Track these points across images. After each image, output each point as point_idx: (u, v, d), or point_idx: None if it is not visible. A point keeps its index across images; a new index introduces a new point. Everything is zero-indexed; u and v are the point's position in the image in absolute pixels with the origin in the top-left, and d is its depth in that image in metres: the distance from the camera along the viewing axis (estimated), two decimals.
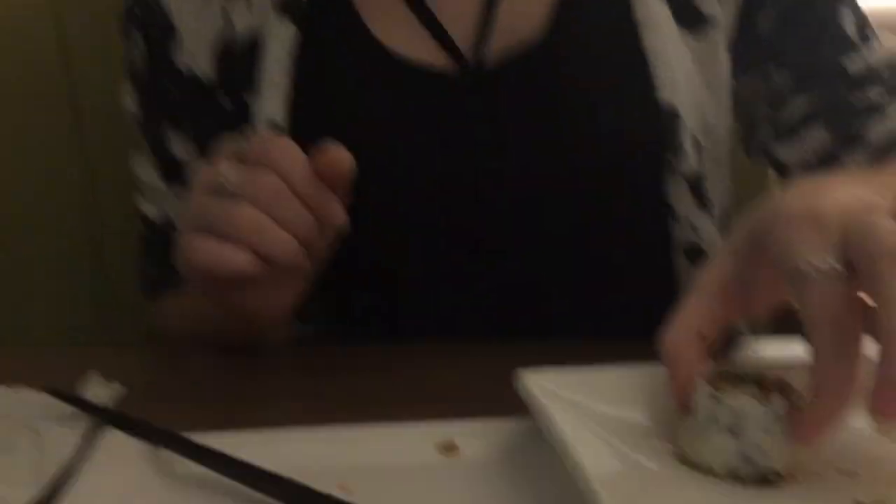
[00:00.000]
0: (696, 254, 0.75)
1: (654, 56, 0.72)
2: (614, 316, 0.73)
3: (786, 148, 0.78)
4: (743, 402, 0.43)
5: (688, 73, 0.74)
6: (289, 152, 0.59)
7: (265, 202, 0.57)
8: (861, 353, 0.39)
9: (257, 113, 0.74)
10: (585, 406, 0.47)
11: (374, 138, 0.73)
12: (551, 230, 0.75)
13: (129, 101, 0.82)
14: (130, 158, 0.84)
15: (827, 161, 0.76)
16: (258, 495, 0.43)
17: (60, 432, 0.49)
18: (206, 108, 0.78)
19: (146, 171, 0.82)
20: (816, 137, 0.76)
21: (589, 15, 0.74)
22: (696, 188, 0.74)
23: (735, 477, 0.43)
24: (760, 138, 0.80)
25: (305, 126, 0.73)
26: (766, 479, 0.43)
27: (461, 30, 0.74)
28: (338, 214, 0.60)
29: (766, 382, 0.44)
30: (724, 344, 0.38)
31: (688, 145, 0.72)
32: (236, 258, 0.57)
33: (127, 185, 0.89)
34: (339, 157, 0.59)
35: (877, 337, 0.38)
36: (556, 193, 0.74)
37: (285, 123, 0.73)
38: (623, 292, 0.77)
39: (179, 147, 0.80)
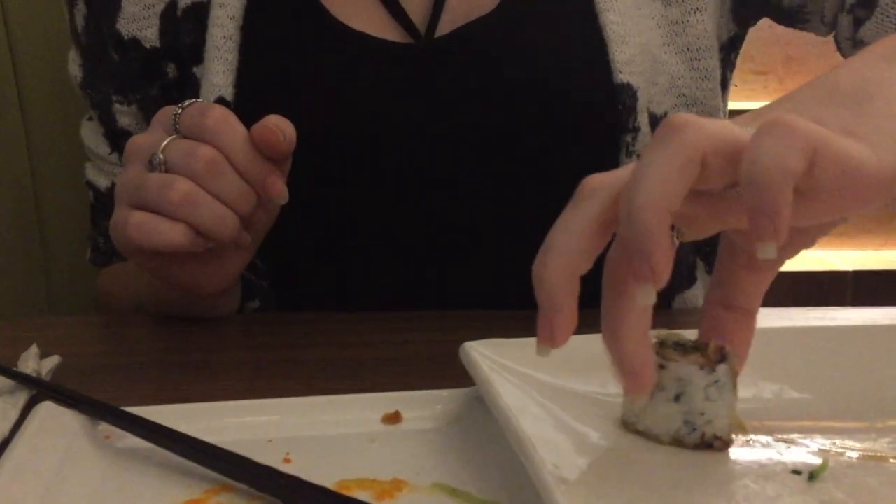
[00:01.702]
0: None
1: (610, 33, 0.71)
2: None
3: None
4: (688, 369, 0.43)
5: (651, 47, 0.73)
6: (227, 123, 0.58)
7: (201, 175, 0.56)
8: None
9: (203, 83, 0.73)
10: (528, 376, 0.47)
11: (323, 109, 0.72)
12: (502, 203, 0.74)
13: (74, 67, 0.81)
14: (81, 128, 0.82)
15: None
16: (198, 468, 0.43)
17: None
18: (149, 75, 0.76)
19: (93, 138, 0.81)
20: None
21: None
22: None
23: (678, 443, 0.44)
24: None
25: (253, 98, 0.72)
26: (708, 444, 0.43)
27: (415, 8, 0.73)
28: (278, 187, 0.59)
29: (707, 350, 0.44)
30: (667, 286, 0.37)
31: (645, 124, 0.72)
32: (171, 233, 0.56)
33: (68, 156, 0.88)
34: (281, 127, 0.58)
35: None
36: (508, 167, 0.73)
37: (231, 95, 0.72)
38: None
39: (125, 115, 0.79)
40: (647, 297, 0.36)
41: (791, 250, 0.43)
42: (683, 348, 0.45)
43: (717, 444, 0.43)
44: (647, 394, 0.43)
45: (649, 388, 0.41)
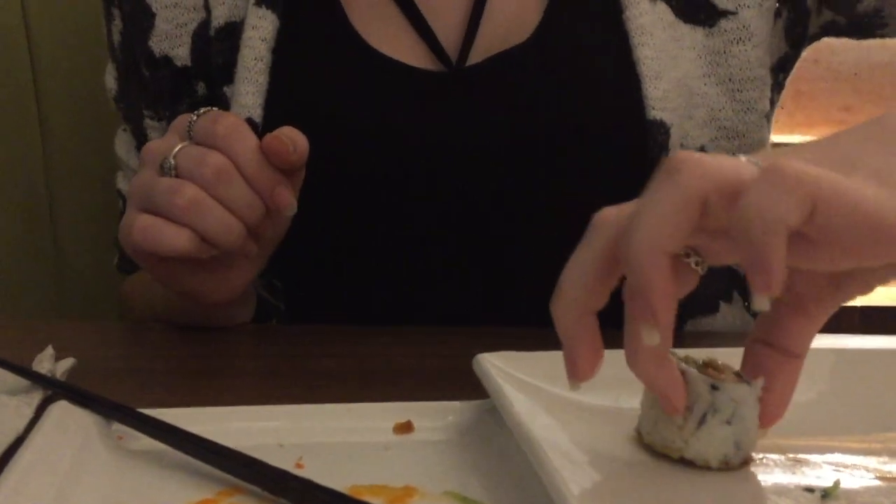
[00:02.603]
0: None
1: (645, 69, 0.70)
2: None
3: None
4: (740, 389, 0.41)
5: (688, 80, 0.72)
6: (237, 131, 0.58)
7: (209, 182, 0.57)
8: None
9: (233, 102, 0.73)
10: (542, 388, 0.47)
11: (351, 133, 0.72)
12: (527, 231, 0.74)
13: (110, 79, 0.82)
14: (115, 138, 0.83)
15: None
16: (211, 470, 0.43)
17: (12, 404, 0.49)
18: (180, 93, 0.77)
19: (125, 149, 0.82)
20: None
21: (578, 21, 0.73)
22: None
23: (726, 466, 0.42)
24: None
25: (282, 120, 0.72)
26: (745, 463, 0.42)
27: (448, 34, 0.73)
28: (286, 198, 0.59)
29: (718, 366, 0.43)
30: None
31: None
32: (175, 238, 0.57)
33: (85, 164, 0.89)
34: (293, 139, 0.58)
35: None
36: (535, 197, 0.73)
37: (260, 117, 0.72)
38: None
39: (155, 131, 0.80)
40: (651, 338, 0.36)
41: (842, 295, 0.41)
42: (699, 366, 0.44)
43: (739, 464, 0.42)
44: (686, 415, 0.41)
45: (682, 406, 0.40)
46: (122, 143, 0.82)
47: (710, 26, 0.73)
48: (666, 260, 0.35)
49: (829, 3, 0.76)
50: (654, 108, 0.70)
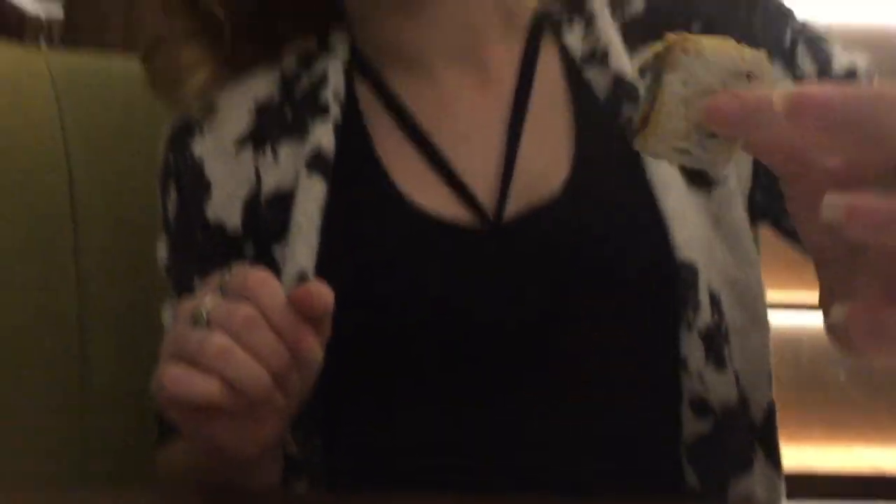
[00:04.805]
0: (703, 408, 0.73)
1: (670, 214, 0.73)
2: (610, 470, 0.72)
3: None
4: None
5: (703, 230, 0.75)
6: (266, 284, 0.60)
7: (237, 331, 0.57)
8: None
9: (284, 263, 0.76)
10: None
11: (396, 286, 0.74)
12: (558, 377, 0.74)
13: (161, 252, 0.84)
14: (162, 312, 0.84)
15: None
16: None
17: None
18: (231, 258, 0.80)
19: (172, 321, 0.83)
20: None
21: (605, 175, 0.76)
22: (711, 343, 0.72)
23: None
24: None
25: (331, 275, 0.73)
26: None
27: (483, 188, 0.76)
28: (313, 349, 0.60)
29: None
30: None
31: (705, 300, 0.72)
32: (204, 385, 0.57)
33: (120, 321, 0.88)
34: (319, 292, 0.59)
35: None
36: (568, 343, 0.74)
37: (312, 273, 0.74)
38: (622, 444, 0.74)
39: None
40: None
41: None
42: None
43: None
44: None
45: None
46: (170, 315, 0.84)
47: (708, 192, 0.76)
48: None
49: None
50: (682, 249, 0.72)
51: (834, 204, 0.40)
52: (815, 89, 0.42)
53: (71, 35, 1.49)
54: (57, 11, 1.52)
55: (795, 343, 1.68)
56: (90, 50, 1.20)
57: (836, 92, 0.42)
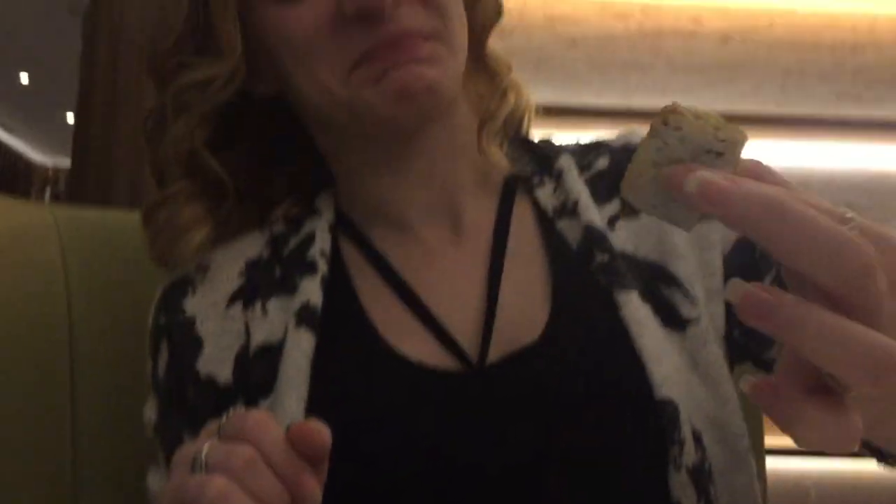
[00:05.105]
0: None
1: (646, 354, 0.74)
2: None
3: None
4: None
5: (680, 369, 0.76)
6: (264, 425, 0.60)
7: (236, 472, 0.57)
8: None
9: (275, 412, 0.76)
10: None
11: (385, 441, 0.74)
12: None
13: (150, 412, 0.85)
14: (147, 477, 0.83)
15: None
16: None
17: None
18: (222, 412, 0.79)
19: (159, 484, 0.83)
20: None
21: (581, 318, 0.78)
22: (699, 482, 0.72)
23: None
24: None
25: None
26: None
27: (466, 336, 0.78)
28: (311, 488, 0.60)
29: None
30: None
31: (689, 437, 0.72)
32: None
33: (113, 480, 0.87)
34: (316, 430, 0.60)
35: None
36: (560, 483, 0.74)
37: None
38: None
39: None
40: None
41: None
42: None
43: None
44: None
45: None
46: (157, 479, 0.84)
47: (683, 332, 0.77)
48: None
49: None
50: (661, 387, 0.73)
51: (734, 289, 0.42)
52: (724, 182, 0.44)
53: (78, 187, 1.52)
54: (65, 163, 1.56)
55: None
56: (96, 202, 1.22)
57: (742, 190, 0.43)
